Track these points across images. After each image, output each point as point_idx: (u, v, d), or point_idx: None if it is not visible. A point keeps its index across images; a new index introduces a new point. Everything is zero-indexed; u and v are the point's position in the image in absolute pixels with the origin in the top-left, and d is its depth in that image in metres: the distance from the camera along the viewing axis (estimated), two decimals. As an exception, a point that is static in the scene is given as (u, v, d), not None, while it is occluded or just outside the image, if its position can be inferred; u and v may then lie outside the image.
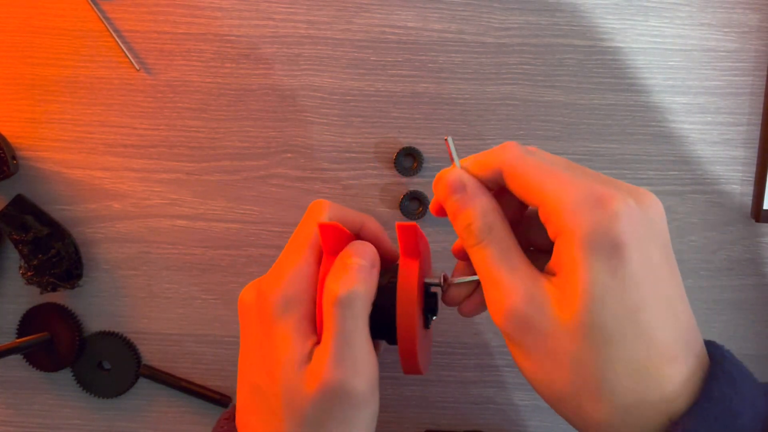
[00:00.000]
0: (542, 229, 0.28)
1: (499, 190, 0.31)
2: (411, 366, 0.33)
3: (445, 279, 0.33)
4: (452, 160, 0.31)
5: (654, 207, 0.27)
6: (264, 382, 0.31)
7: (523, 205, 0.32)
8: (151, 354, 0.48)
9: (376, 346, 0.32)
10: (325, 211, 0.34)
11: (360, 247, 0.32)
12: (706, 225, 0.47)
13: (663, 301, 0.26)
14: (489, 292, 0.28)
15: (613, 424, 0.26)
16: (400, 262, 0.33)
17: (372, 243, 0.33)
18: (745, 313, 0.48)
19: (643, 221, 0.26)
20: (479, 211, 0.29)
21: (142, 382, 0.48)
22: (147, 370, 0.47)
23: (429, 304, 0.35)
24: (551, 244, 0.27)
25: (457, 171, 0.30)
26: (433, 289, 0.35)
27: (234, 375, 0.48)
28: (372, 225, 0.35)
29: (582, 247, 0.25)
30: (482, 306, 0.33)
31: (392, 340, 0.33)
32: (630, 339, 0.25)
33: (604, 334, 0.25)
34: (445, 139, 0.31)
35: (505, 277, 0.27)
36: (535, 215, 0.30)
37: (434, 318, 0.35)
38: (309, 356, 0.30)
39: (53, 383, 0.48)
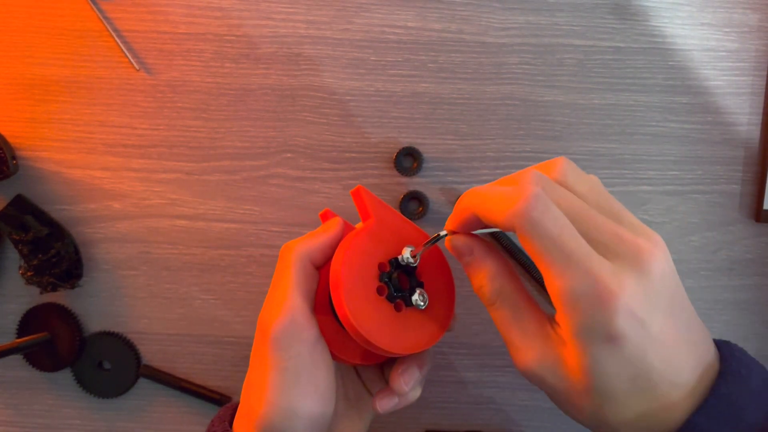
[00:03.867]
0: None
1: None
2: (348, 325, 0.31)
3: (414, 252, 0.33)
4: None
5: (657, 264, 0.27)
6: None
7: None
8: (150, 354, 0.48)
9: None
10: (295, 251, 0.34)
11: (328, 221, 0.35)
12: (706, 225, 0.47)
13: (667, 353, 0.26)
14: (509, 349, 0.30)
15: None
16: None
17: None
18: (745, 313, 0.48)
19: (645, 297, 0.26)
20: (488, 275, 0.30)
21: (142, 382, 0.48)
22: (147, 370, 0.47)
23: (390, 276, 0.33)
24: None
25: (463, 236, 0.31)
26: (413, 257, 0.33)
27: (233, 375, 0.48)
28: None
29: (579, 335, 0.26)
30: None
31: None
32: (635, 397, 0.27)
33: (610, 396, 0.27)
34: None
35: (517, 338, 0.29)
36: None
37: (412, 300, 0.33)
38: None
39: (53, 383, 0.48)
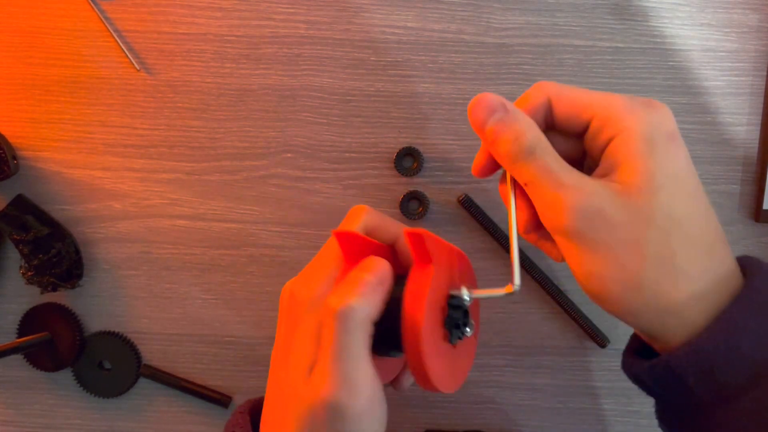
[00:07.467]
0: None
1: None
2: (421, 378, 0.30)
3: (469, 290, 0.32)
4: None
5: None
6: (282, 379, 0.32)
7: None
8: (151, 354, 0.48)
9: (387, 363, 0.33)
10: (362, 217, 0.33)
11: (372, 262, 0.31)
12: (705, 225, 0.47)
13: (703, 190, 0.29)
14: (553, 197, 0.28)
15: (690, 301, 0.27)
16: (411, 269, 0.31)
17: (406, 255, 0.33)
18: (745, 313, 0.48)
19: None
20: (527, 125, 0.29)
21: (143, 382, 0.48)
22: (147, 370, 0.48)
23: (452, 316, 0.31)
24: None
25: (494, 95, 0.30)
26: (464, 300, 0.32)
27: (233, 375, 0.48)
28: None
29: (644, 138, 0.28)
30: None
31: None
32: (696, 220, 0.28)
33: (673, 215, 0.27)
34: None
35: (568, 177, 0.28)
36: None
37: (465, 334, 0.32)
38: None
39: (54, 383, 0.48)
